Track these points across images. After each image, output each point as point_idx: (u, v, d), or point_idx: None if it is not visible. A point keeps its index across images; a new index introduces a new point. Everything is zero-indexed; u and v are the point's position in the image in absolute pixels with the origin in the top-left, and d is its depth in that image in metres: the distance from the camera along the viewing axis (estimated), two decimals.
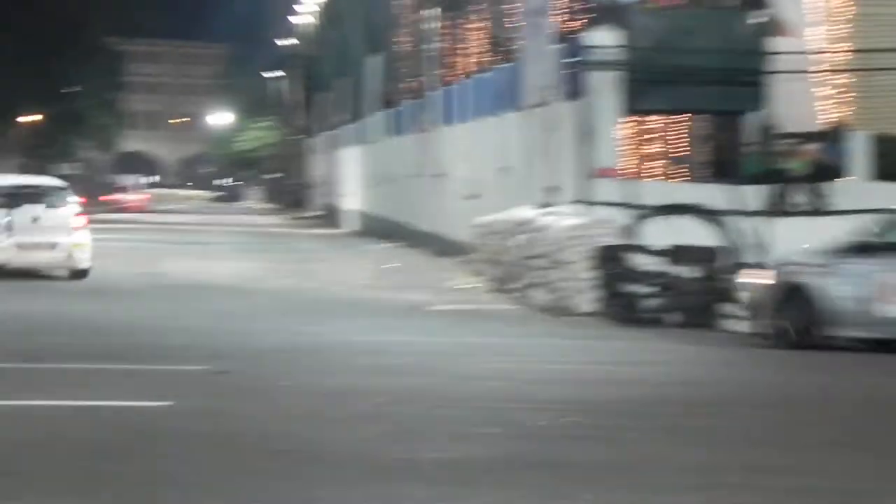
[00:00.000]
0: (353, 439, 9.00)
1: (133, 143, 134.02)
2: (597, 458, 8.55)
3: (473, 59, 29.85)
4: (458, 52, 31.52)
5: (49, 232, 22.20)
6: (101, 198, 69.52)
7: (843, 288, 14.82)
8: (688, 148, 23.45)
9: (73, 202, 23.07)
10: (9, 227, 22.10)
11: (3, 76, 70.92)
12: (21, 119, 75.31)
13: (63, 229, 22.30)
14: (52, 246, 22.19)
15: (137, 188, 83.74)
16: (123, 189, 73.72)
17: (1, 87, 71.18)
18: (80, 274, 22.35)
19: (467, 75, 30.06)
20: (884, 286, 14.65)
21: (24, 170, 76.09)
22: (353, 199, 51.08)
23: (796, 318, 14.97)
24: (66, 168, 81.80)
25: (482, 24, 28.99)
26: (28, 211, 22.42)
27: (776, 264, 16.09)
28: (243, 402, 10.48)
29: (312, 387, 11.32)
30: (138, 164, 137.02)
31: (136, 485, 7.57)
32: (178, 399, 10.46)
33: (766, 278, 15.61)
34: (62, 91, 78.32)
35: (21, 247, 22.09)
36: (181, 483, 7.63)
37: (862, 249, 14.96)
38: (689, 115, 22.81)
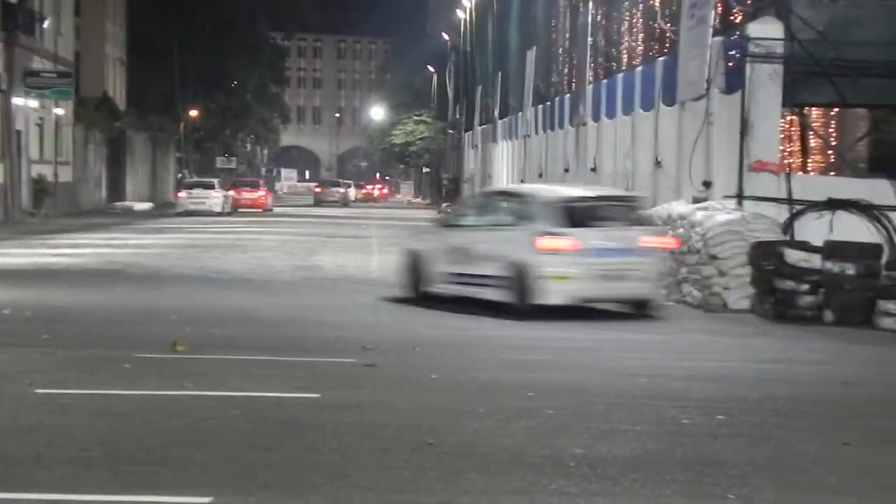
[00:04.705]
0: (499, 434, 9.01)
1: (292, 137, 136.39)
2: (744, 457, 8.42)
3: (629, 53, 29.60)
4: (614, 45, 31.28)
5: None
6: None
7: None
8: (848, 142, 22.91)
9: None
10: None
11: (170, 71, 72.88)
12: (187, 113, 77.11)
13: None
14: None
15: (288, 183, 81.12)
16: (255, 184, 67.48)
17: (168, 81, 73.16)
18: None
19: (622, 69, 29.82)
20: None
21: (186, 164, 78.03)
22: None
23: None
24: (222, 162, 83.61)
25: (638, 17, 28.72)
26: None
27: None
28: (391, 394, 10.57)
29: (460, 380, 11.36)
30: (296, 158, 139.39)
31: (284, 474, 7.70)
32: (326, 391, 10.61)
33: None
34: (226, 86, 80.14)
35: None
36: (328, 473, 7.74)
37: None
38: (851, 108, 22.27)
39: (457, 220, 19.71)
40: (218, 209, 54.78)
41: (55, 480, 7.48)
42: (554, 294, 16.87)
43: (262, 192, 63.86)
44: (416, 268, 19.22)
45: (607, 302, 17.80)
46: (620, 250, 17.00)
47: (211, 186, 57.65)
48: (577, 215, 17.20)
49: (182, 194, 56.76)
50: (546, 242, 16.91)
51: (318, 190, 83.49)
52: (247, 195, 61.87)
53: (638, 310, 17.66)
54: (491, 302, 17.39)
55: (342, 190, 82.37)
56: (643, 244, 17.25)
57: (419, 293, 18.90)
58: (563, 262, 16.78)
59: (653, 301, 17.64)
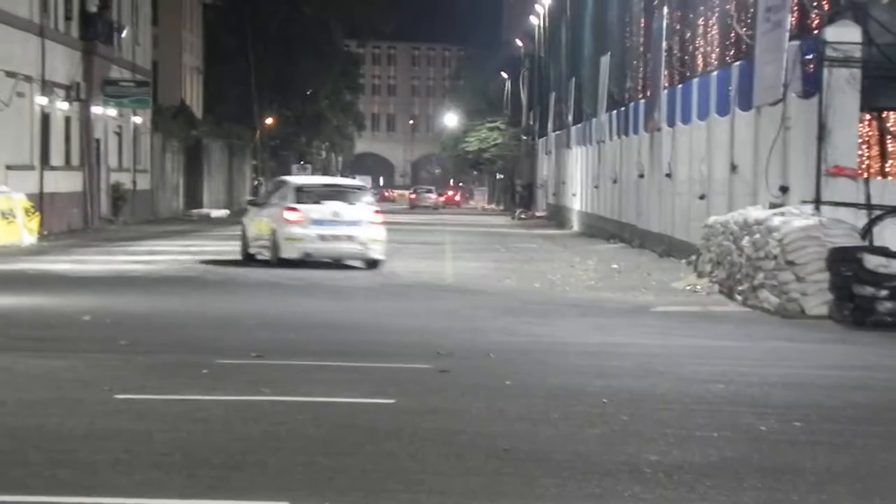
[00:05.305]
0: (574, 440, 8.99)
1: (366, 144, 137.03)
2: (823, 464, 8.34)
3: (704, 58, 29.40)
4: (689, 50, 31.09)
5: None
6: None
7: None
8: None
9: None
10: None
11: (245, 80, 73.51)
12: (262, 121, 77.71)
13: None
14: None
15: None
16: None
17: (244, 90, 73.80)
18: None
19: (697, 74, 29.63)
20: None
21: (262, 171, 78.60)
22: (578, 199, 51.00)
23: None
24: (298, 169, 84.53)
25: (714, 22, 28.52)
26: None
27: None
28: (465, 400, 10.57)
29: (535, 387, 11.34)
30: (371, 165, 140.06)
31: (359, 480, 7.74)
32: (401, 396, 10.63)
33: None
34: (301, 94, 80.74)
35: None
36: (403, 479, 7.76)
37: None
38: None
39: (258, 201, 28.12)
40: None
41: (134, 485, 7.58)
42: (291, 251, 24.63)
43: None
44: (244, 236, 27.15)
45: (331, 259, 25.02)
46: (337, 221, 24.60)
47: None
48: (310, 196, 25.11)
49: None
50: (286, 215, 24.71)
51: (412, 196, 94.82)
52: None
53: (369, 267, 24.99)
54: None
55: (434, 196, 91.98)
56: (359, 217, 24.75)
57: (246, 255, 26.77)
58: (296, 229, 24.58)
59: (379, 261, 25.09)
